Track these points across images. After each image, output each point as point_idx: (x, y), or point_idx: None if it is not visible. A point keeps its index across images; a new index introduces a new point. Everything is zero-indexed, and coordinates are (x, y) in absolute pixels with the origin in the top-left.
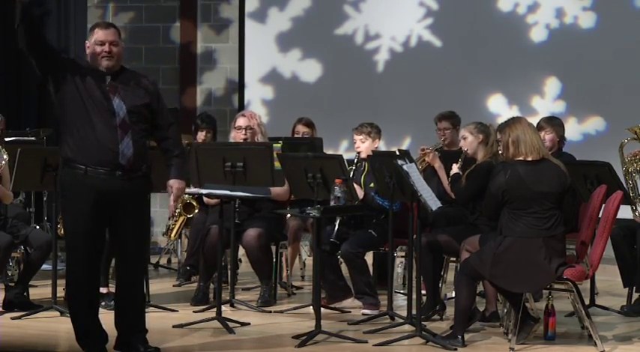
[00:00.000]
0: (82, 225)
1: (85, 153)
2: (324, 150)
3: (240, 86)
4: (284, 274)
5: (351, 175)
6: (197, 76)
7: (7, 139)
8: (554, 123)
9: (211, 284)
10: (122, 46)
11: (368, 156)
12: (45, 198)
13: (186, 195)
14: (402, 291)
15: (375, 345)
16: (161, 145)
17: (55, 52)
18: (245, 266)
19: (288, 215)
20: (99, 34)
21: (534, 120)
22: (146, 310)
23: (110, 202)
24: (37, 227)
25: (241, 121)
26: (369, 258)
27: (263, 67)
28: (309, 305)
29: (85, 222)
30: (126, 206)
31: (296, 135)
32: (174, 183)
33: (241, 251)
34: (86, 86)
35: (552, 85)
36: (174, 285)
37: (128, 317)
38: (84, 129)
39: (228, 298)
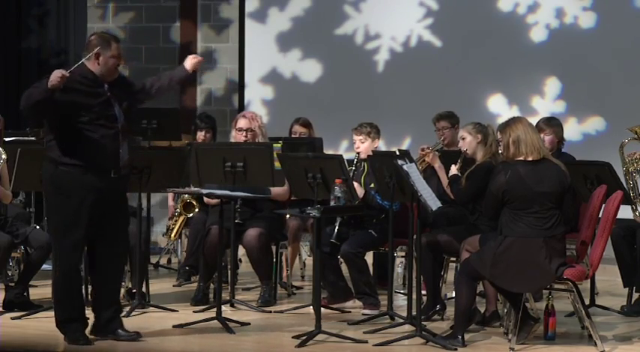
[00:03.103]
0: (76, 219)
1: (86, 155)
2: (324, 150)
3: (240, 86)
4: (284, 274)
5: (350, 175)
6: (197, 76)
7: (6, 139)
8: (552, 124)
9: (211, 284)
10: None
11: (368, 156)
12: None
13: (186, 195)
14: (402, 291)
15: (375, 345)
16: (147, 87)
17: (57, 107)
18: (245, 266)
19: (288, 215)
20: (117, 48)
21: (534, 120)
22: (146, 310)
23: (103, 198)
24: (37, 227)
25: (242, 123)
26: (369, 258)
27: (263, 67)
28: (309, 305)
29: (81, 216)
30: (115, 201)
31: (293, 136)
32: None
33: (241, 251)
34: (89, 95)
35: (552, 85)
36: (174, 285)
37: (107, 302)
38: (87, 133)
39: (228, 298)
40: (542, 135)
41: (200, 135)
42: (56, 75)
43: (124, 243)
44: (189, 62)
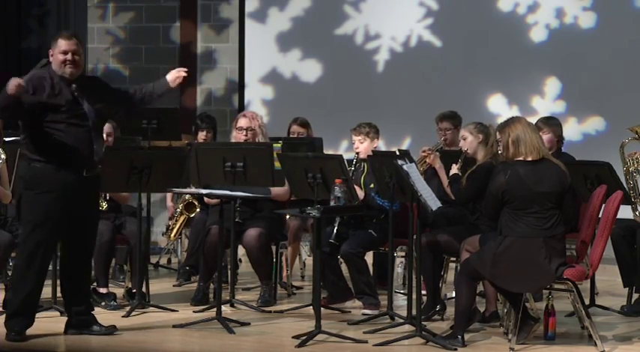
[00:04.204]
0: (46, 217)
1: (58, 153)
2: (324, 150)
3: (240, 86)
4: (284, 274)
5: (350, 176)
6: (197, 76)
7: (6, 139)
8: (551, 123)
9: (211, 284)
10: (83, 54)
11: (367, 156)
12: None
13: (187, 195)
14: (402, 291)
15: (375, 345)
16: (131, 97)
17: (26, 110)
18: (245, 266)
19: (288, 215)
20: (62, 44)
21: (534, 120)
22: (146, 310)
23: (74, 197)
24: None
25: (243, 122)
26: (369, 258)
27: (263, 67)
28: (309, 305)
29: (51, 214)
30: (86, 201)
31: (291, 136)
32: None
33: (241, 251)
34: (56, 94)
35: (552, 85)
36: (174, 285)
37: (76, 299)
38: (58, 132)
39: (228, 298)
40: (541, 135)
41: (201, 136)
42: (13, 83)
43: (92, 242)
44: (172, 76)
